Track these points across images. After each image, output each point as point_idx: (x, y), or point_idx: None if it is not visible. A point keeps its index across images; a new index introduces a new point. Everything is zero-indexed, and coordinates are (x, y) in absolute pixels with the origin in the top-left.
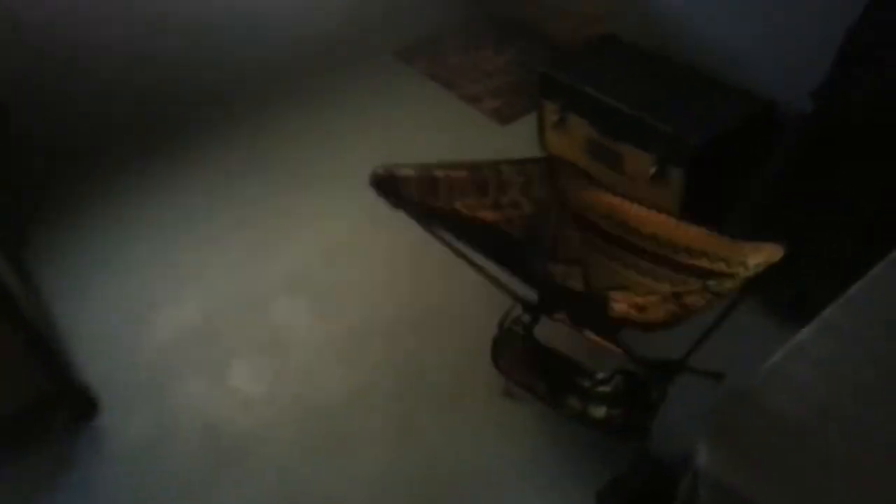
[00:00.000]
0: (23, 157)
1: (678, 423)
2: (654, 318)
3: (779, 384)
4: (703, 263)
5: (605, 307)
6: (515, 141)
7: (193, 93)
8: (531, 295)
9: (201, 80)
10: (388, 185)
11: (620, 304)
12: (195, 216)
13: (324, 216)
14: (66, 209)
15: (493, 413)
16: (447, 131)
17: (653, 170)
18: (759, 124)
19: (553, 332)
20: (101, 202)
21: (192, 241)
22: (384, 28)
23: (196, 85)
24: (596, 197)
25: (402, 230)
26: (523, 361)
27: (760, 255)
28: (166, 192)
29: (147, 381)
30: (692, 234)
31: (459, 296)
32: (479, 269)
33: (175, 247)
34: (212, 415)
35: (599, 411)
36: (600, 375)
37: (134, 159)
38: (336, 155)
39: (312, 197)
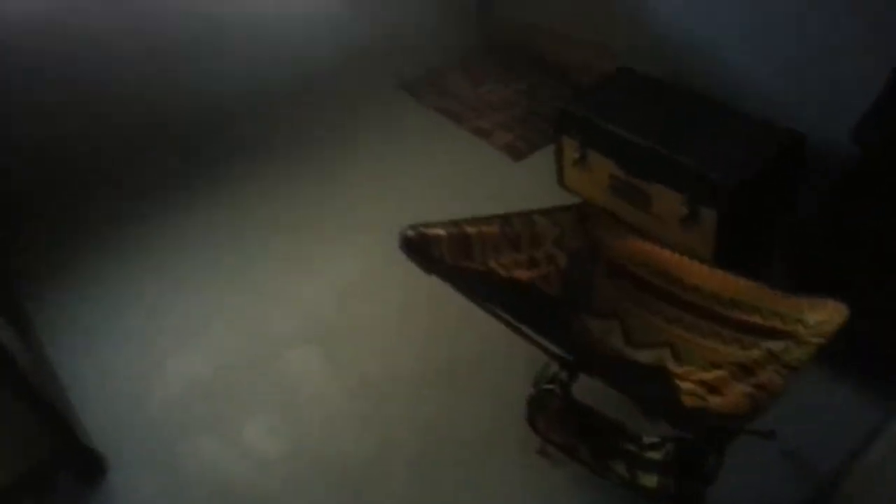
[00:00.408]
0: (18, 202)
1: (728, 485)
2: (732, 408)
3: (879, 486)
4: (756, 319)
5: (669, 384)
6: (531, 177)
7: (190, 131)
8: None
9: (198, 118)
10: (420, 247)
11: (687, 384)
12: (198, 263)
13: (333, 258)
14: (64, 258)
15: (526, 475)
16: (459, 167)
17: (683, 211)
18: (792, 160)
19: (593, 389)
20: (101, 249)
21: (197, 288)
22: (388, 60)
23: (193, 123)
24: (633, 245)
25: (418, 273)
26: (561, 422)
27: (820, 313)
28: (167, 238)
29: (156, 439)
30: (740, 285)
31: (485, 344)
32: (515, 327)
33: (180, 294)
34: (225, 476)
35: (650, 480)
36: (648, 440)
37: (133, 204)
38: (343, 194)
39: (320, 238)
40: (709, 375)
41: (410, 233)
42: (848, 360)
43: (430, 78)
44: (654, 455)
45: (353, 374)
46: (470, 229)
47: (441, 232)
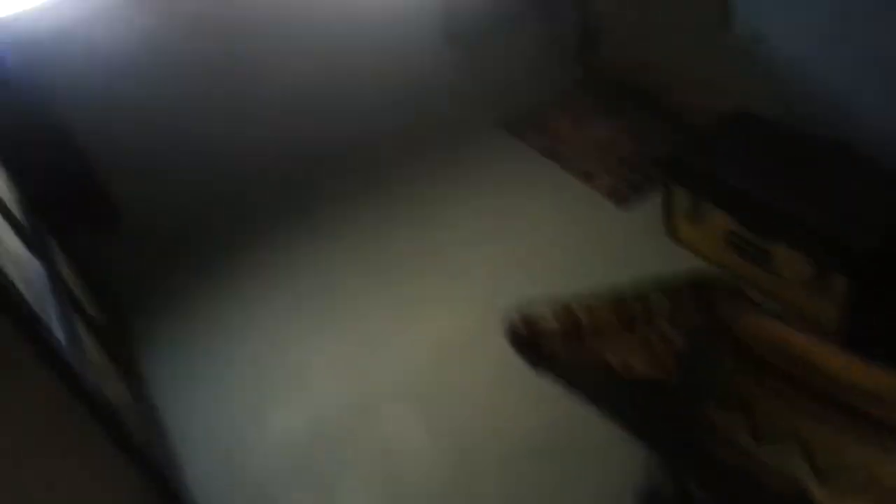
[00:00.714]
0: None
1: None
2: None
3: None
4: None
5: None
6: (637, 225)
7: (288, 176)
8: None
9: (298, 160)
10: (529, 342)
11: None
12: (300, 310)
13: (432, 307)
14: (171, 302)
15: None
16: (561, 212)
17: (810, 274)
18: None
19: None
20: (205, 296)
21: (298, 336)
22: (488, 97)
23: (291, 167)
24: (761, 324)
25: None
26: None
27: None
28: (268, 284)
29: (254, 495)
30: (886, 378)
31: (590, 415)
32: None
33: (281, 340)
34: None
35: None
36: None
37: (236, 252)
38: (444, 238)
39: (419, 287)
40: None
41: (518, 325)
42: None
43: (533, 117)
44: None
45: (450, 440)
46: (582, 316)
47: (551, 324)
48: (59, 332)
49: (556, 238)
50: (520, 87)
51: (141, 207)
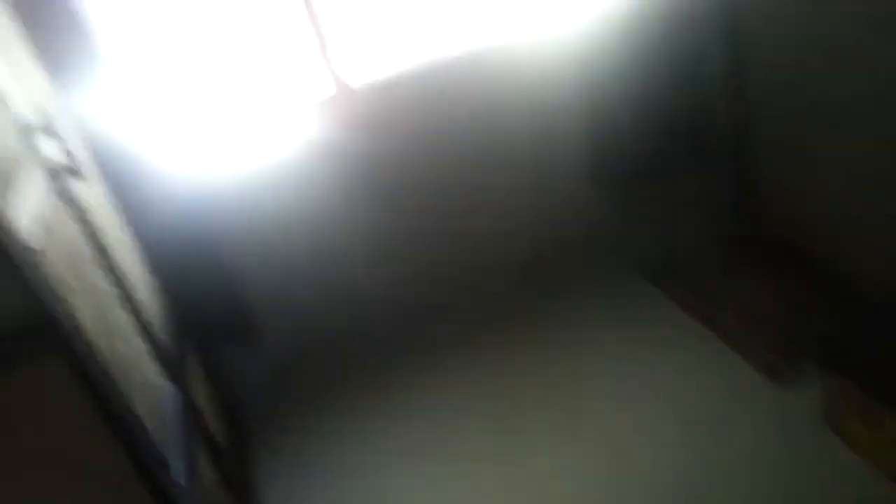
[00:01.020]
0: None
1: None
2: None
3: None
4: None
5: None
6: (794, 411)
7: (423, 311)
8: None
9: (432, 296)
10: None
11: None
12: (414, 449)
13: (550, 476)
14: (290, 427)
15: None
16: (703, 383)
17: None
18: None
19: None
20: (324, 425)
21: (410, 477)
22: (634, 246)
23: (427, 301)
24: None
25: None
26: None
27: None
28: (387, 418)
29: None
30: None
31: None
32: None
33: (393, 482)
34: None
35: None
36: None
37: (361, 382)
38: (569, 397)
39: (538, 447)
40: None
41: None
42: None
43: (680, 271)
44: None
45: None
46: None
47: None
48: (177, 464)
49: (696, 413)
50: (668, 237)
51: (278, 327)
